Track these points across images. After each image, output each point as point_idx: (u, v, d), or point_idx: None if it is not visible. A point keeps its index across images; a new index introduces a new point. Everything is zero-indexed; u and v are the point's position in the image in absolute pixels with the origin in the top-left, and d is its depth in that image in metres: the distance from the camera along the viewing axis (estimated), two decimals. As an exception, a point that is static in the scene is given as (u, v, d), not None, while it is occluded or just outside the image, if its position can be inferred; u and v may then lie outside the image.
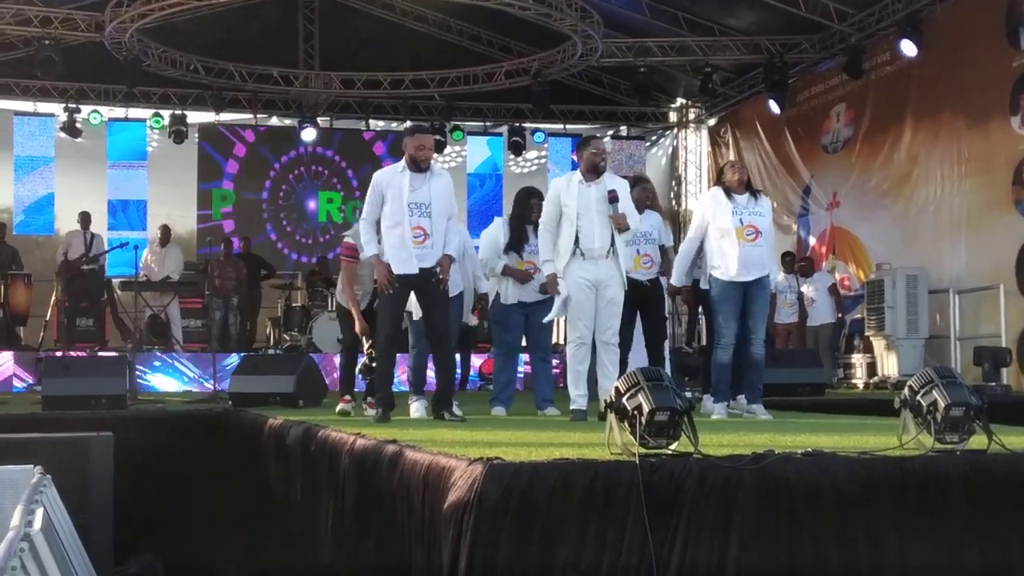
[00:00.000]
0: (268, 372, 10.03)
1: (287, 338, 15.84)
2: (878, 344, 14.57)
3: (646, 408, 4.06)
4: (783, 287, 14.77)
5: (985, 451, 4.34)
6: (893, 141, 15.55)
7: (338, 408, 8.72)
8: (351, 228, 9.36)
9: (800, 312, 14.86)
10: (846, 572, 3.99)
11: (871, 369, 14.74)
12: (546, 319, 8.29)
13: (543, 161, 20.76)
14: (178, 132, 18.80)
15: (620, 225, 7.47)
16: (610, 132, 21.07)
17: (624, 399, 4.16)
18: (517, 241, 8.76)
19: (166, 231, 16.61)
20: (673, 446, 4.12)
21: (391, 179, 7.55)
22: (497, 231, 8.92)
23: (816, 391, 11.24)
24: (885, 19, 15.38)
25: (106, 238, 17.37)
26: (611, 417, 4.23)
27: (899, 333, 13.97)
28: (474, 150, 20.72)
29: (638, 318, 8.95)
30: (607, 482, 3.85)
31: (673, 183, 21.30)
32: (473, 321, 11.28)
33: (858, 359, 15.07)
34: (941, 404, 4.34)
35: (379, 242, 7.56)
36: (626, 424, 4.13)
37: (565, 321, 8.24)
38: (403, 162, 7.59)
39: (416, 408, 8.15)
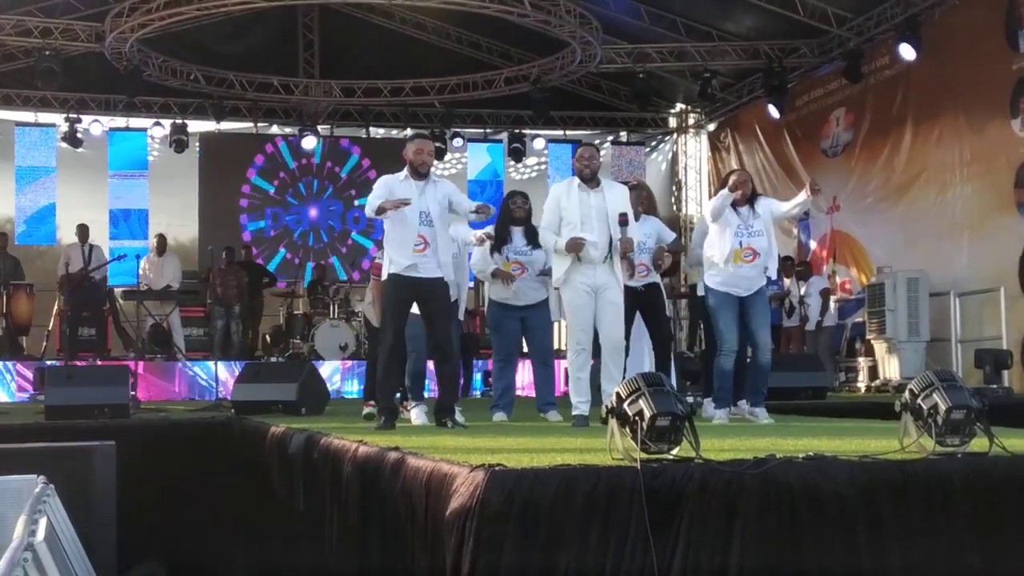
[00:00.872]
0: (271, 380, 10.03)
1: (289, 346, 15.87)
2: (879, 347, 14.57)
3: (647, 413, 4.06)
4: (784, 290, 14.82)
5: (986, 454, 4.34)
6: (893, 145, 15.57)
7: (364, 412, 8.91)
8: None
9: (800, 316, 14.88)
10: (848, 576, 4.00)
11: (872, 372, 14.74)
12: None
13: (543, 167, 20.78)
14: (179, 141, 18.82)
15: (626, 250, 7.50)
16: (610, 138, 21.10)
17: (625, 404, 4.16)
18: (500, 242, 8.76)
19: (162, 240, 16.61)
20: (675, 451, 4.13)
21: (395, 186, 7.57)
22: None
23: (818, 395, 11.25)
24: (884, 23, 15.40)
25: (107, 248, 17.40)
26: (612, 422, 4.23)
27: (900, 336, 13.97)
28: (474, 157, 20.75)
29: (637, 324, 8.93)
30: (609, 488, 3.86)
31: (673, 188, 21.31)
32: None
33: (860, 362, 15.07)
34: (942, 407, 4.34)
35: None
36: (627, 429, 4.13)
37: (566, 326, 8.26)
38: (404, 171, 7.63)
39: (417, 414, 8.16)
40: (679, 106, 21.16)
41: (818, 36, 16.52)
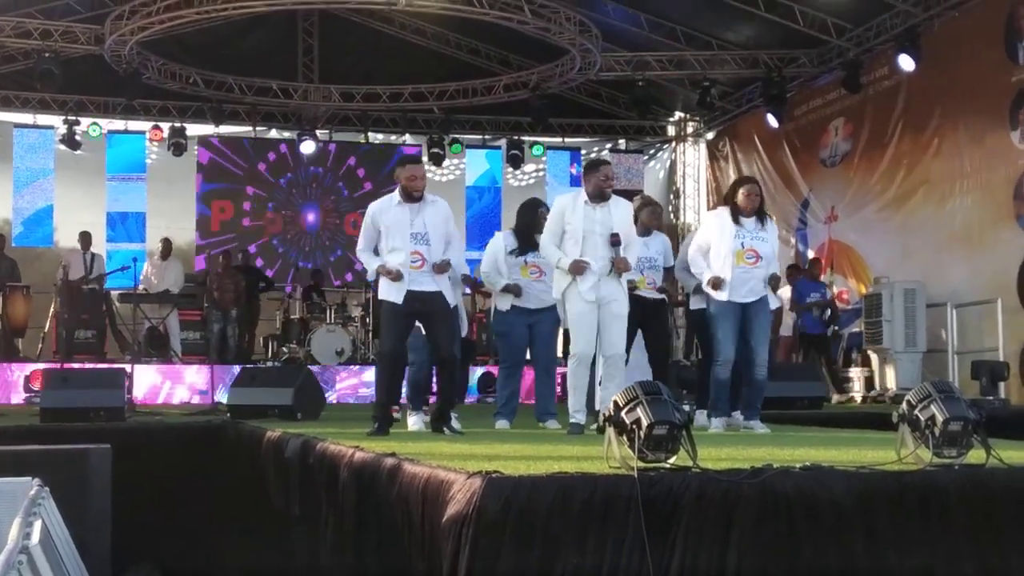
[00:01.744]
0: (267, 384, 10.03)
1: (285, 350, 15.85)
2: (876, 357, 14.58)
3: (645, 422, 4.06)
4: (783, 300, 14.82)
5: (983, 466, 4.34)
6: (891, 155, 15.58)
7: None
8: None
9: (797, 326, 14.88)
10: (844, 586, 4.00)
11: (869, 382, 14.74)
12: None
13: (541, 174, 20.77)
14: (177, 144, 18.82)
15: (621, 269, 7.49)
16: (608, 146, 21.09)
17: (623, 413, 4.17)
18: (525, 247, 8.70)
19: (167, 244, 16.59)
20: (672, 460, 4.13)
21: (386, 211, 7.63)
22: (498, 245, 8.89)
23: (814, 404, 11.24)
24: (883, 34, 15.42)
25: (105, 250, 17.38)
26: (610, 431, 4.23)
27: (897, 347, 13.97)
28: (472, 163, 20.73)
29: (637, 338, 8.92)
30: (606, 496, 3.85)
31: (671, 197, 21.30)
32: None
33: (856, 372, 15.07)
34: (939, 418, 4.34)
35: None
36: (625, 438, 4.13)
37: (565, 334, 8.26)
38: (397, 193, 7.66)
39: (414, 421, 8.19)
40: (678, 114, 21.17)
41: (817, 46, 16.55)
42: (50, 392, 9.92)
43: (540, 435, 7.64)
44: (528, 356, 9.14)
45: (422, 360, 8.43)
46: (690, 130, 21.28)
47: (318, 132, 19.58)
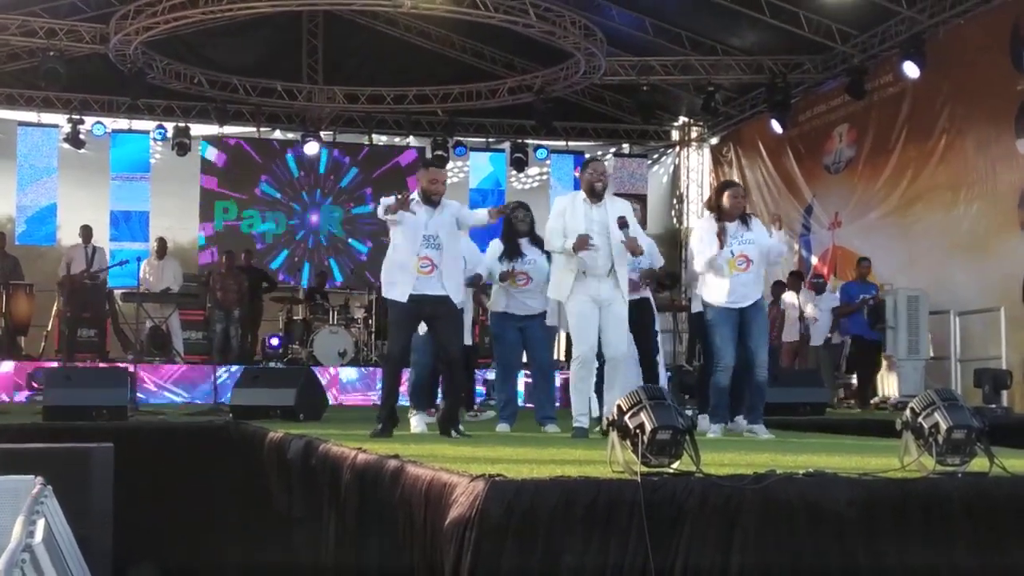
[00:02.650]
0: (269, 385, 10.03)
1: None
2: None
3: (648, 426, 4.06)
4: (787, 305, 14.81)
5: (986, 474, 4.34)
6: (896, 162, 15.57)
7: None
8: None
9: (802, 330, 14.86)
10: (847, 593, 4.00)
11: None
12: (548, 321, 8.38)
13: (545, 177, 20.78)
14: (181, 144, 18.84)
15: (633, 249, 7.51)
16: (612, 150, 21.09)
17: (626, 417, 4.16)
18: (512, 254, 8.82)
19: (162, 244, 16.58)
20: (675, 465, 4.12)
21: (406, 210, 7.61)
22: (494, 250, 9.01)
23: (816, 410, 11.23)
24: (888, 40, 15.41)
25: (108, 249, 17.37)
26: (613, 435, 4.23)
27: (900, 354, 13.93)
28: (476, 166, 20.74)
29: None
30: (609, 500, 3.86)
31: (675, 201, 21.31)
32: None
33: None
34: (943, 426, 4.34)
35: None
36: (628, 442, 4.13)
37: (567, 338, 8.27)
38: (415, 195, 7.69)
39: (416, 423, 8.19)
40: (682, 119, 21.16)
41: (822, 52, 16.55)
42: (53, 390, 9.93)
43: (543, 438, 7.64)
44: (525, 360, 9.18)
45: (424, 361, 8.44)
46: (694, 135, 21.28)
47: (322, 134, 19.57)
